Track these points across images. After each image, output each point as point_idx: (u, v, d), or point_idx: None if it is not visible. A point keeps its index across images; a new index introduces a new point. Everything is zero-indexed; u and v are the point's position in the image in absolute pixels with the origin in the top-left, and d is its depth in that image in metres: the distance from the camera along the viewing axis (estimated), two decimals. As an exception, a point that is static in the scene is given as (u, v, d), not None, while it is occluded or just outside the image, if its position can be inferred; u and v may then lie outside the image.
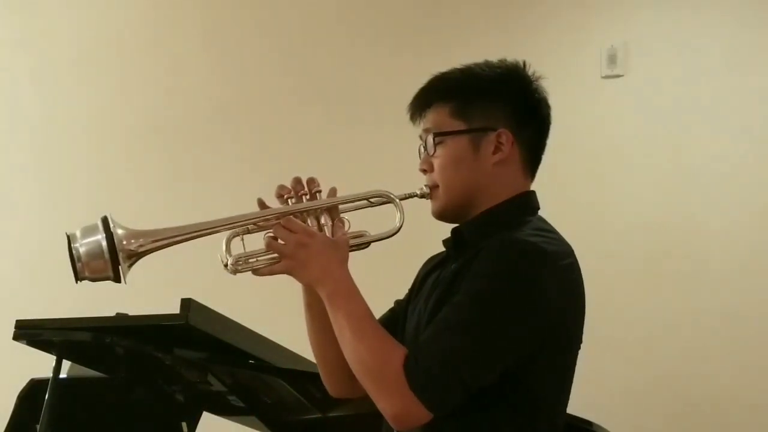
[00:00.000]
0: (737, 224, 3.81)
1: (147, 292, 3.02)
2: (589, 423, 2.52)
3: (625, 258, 3.85)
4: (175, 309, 2.40)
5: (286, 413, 2.91)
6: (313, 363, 2.60)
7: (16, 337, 2.59)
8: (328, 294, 1.61)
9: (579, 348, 1.67)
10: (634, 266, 3.86)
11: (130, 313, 2.63)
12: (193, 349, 2.63)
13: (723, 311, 3.77)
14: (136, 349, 2.67)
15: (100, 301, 3.13)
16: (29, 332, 2.62)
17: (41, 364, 2.78)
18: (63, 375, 2.75)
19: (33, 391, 2.90)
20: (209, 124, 4.34)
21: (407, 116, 1.75)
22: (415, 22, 4.20)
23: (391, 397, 1.52)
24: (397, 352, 1.53)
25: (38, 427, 2.59)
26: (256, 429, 3.05)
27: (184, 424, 3.04)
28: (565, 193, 3.79)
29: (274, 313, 3.83)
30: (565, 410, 1.68)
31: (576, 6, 4.06)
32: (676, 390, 3.78)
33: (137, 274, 1.61)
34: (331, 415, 2.81)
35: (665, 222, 3.87)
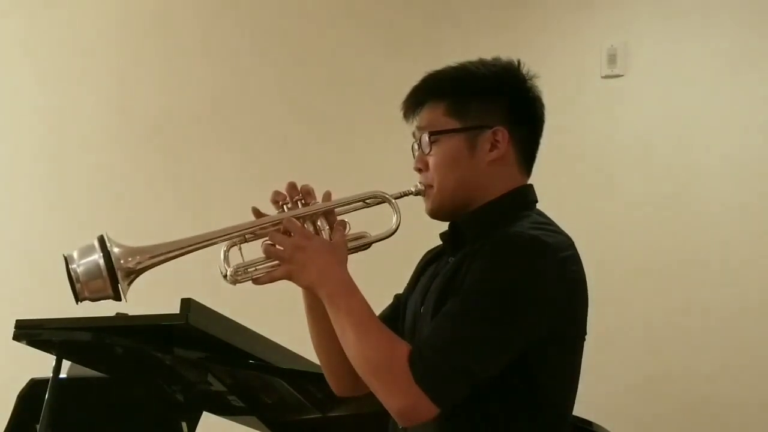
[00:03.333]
0: (738, 223, 3.81)
1: (147, 292, 3.02)
2: (589, 423, 2.53)
3: (624, 257, 3.85)
4: (175, 309, 2.40)
5: (286, 413, 2.91)
6: (313, 363, 2.59)
7: (16, 337, 2.59)
8: (327, 294, 1.60)
9: (584, 339, 1.67)
10: (633, 266, 3.86)
11: (130, 313, 2.62)
12: (193, 349, 2.63)
13: (723, 310, 3.77)
14: (136, 349, 2.67)
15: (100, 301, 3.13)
16: (29, 332, 2.61)
17: (41, 364, 2.78)
18: (63, 375, 2.75)
19: (33, 391, 2.90)
20: (207, 126, 4.34)
21: (400, 115, 1.75)
22: (414, 22, 4.20)
23: (396, 393, 1.51)
24: (401, 348, 1.53)
25: (38, 427, 2.59)
26: (256, 429, 3.05)
27: (184, 424, 3.04)
28: (565, 192, 3.79)
29: (274, 313, 3.83)
30: (573, 404, 1.68)
31: (576, 6, 4.06)
32: (677, 390, 3.78)
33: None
34: (331, 415, 2.81)
35: (665, 221, 3.87)
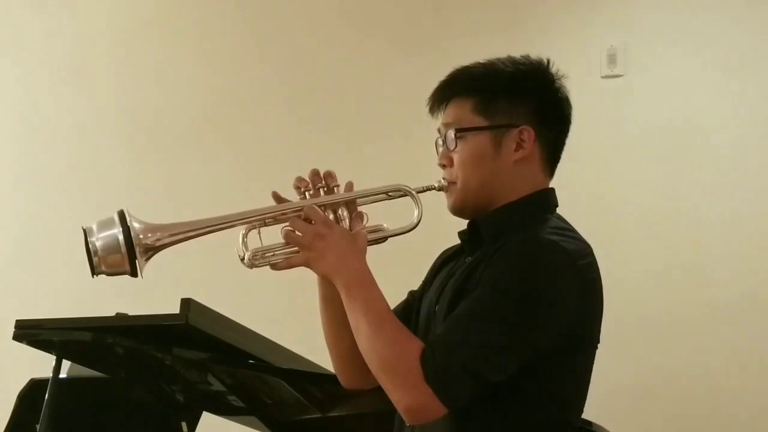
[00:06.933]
0: (738, 223, 3.81)
1: (147, 292, 3.02)
2: (588, 423, 2.52)
3: (624, 258, 3.84)
4: (175, 309, 2.40)
5: (286, 413, 2.91)
6: (313, 363, 2.60)
7: (16, 337, 2.59)
8: (345, 284, 1.60)
9: (597, 347, 1.67)
10: (633, 266, 3.85)
11: (130, 313, 2.63)
12: (193, 349, 2.63)
13: (724, 311, 3.76)
14: (136, 349, 2.67)
15: (100, 301, 3.13)
16: (29, 332, 2.61)
17: (41, 364, 2.78)
18: (63, 375, 2.75)
19: (33, 391, 2.90)
20: (207, 127, 4.34)
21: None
22: (415, 21, 4.19)
23: (405, 389, 1.50)
24: (414, 345, 1.53)
25: (38, 427, 2.59)
26: (256, 429, 3.05)
27: (184, 424, 3.04)
28: (565, 192, 3.78)
29: (275, 313, 3.84)
30: (582, 409, 1.68)
31: (576, 6, 4.06)
32: (677, 390, 3.78)
33: (137, 273, 1.60)
34: (331, 415, 2.81)
35: (665, 222, 3.87)
